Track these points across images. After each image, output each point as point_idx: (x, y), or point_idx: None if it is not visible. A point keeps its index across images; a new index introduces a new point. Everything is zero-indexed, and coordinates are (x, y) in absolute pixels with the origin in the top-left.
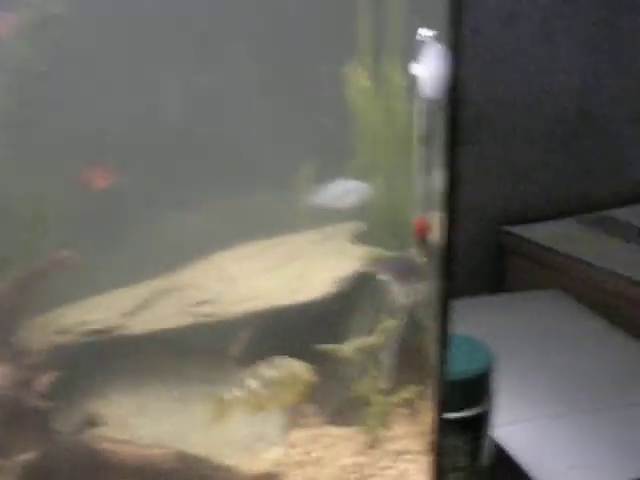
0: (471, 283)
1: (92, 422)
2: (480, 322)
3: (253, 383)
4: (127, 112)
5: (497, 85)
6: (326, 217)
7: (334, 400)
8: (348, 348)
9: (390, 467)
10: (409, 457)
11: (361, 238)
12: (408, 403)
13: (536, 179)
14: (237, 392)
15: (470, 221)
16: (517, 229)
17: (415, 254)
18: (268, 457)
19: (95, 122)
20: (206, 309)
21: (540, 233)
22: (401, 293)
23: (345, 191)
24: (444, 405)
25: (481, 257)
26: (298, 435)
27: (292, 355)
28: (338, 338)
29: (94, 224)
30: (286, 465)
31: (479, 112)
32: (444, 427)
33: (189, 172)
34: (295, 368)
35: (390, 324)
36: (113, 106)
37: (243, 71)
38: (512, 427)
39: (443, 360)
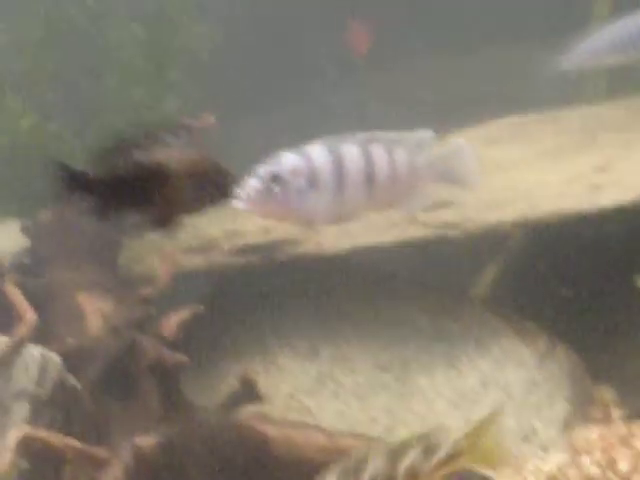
0: None
1: (249, 393)
2: None
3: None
4: None
5: None
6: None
7: None
8: None
9: None
10: None
11: None
12: None
13: None
14: None
15: None
16: None
17: None
18: (540, 466)
19: None
20: (447, 216)
21: None
22: None
23: None
24: None
25: None
26: (589, 434)
27: (576, 299)
28: None
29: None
30: None
31: None
32: None
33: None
34: None
35: None
36: None
37: None
38: None
39: None
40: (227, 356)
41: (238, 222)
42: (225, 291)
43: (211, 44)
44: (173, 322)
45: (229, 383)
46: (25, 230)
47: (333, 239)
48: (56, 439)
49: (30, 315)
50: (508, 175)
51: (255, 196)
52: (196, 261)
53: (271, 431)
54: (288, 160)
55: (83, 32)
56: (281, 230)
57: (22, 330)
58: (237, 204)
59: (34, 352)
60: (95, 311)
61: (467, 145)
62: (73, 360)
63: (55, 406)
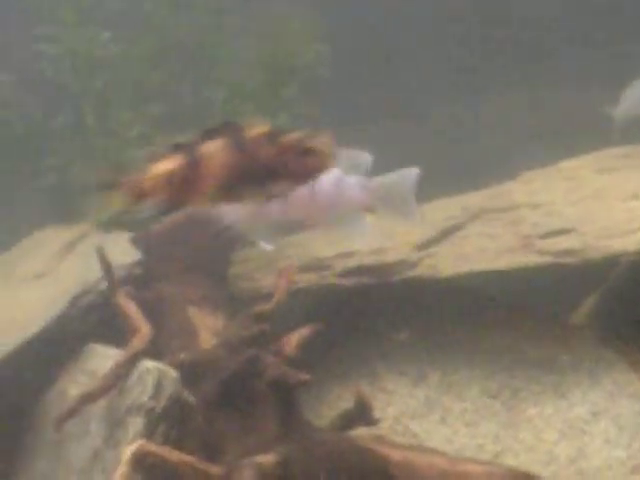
0: None
1: (363, 415)
2: None
3: None
4: None
5: None
6: None
7: None
8: None
9: None
10: None
11: None
12: None
13: None
14: None
15: None
16: None
17: None
18: None
19: None
20: (565, 243)
21: None
22: None
23: None
24: None
25: None
26: None
27: None
28: None
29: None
30: None
31: None
32: None
33: None
34: None
35: None
36: None
37: None
38: None
39: None
40: (333, 378)
41: (351, 244)
42: (334, 312)
43: (325, 61)
44: (294, 340)
45: (335, 405)
46: (136, 242)
47: (448, 263)
48: (170, 454)
49: (145, 328)
50: (624, 204)
51: None
52: (309, 280)
53: (392, 454)
54: None
55: (195, 46)
56: (394, 252)
57: (137, 343)
58: None
59: (149, 366)
60: (206, 326)
61: (411, 175)
62: (186, 375)
63: (169, 421)
